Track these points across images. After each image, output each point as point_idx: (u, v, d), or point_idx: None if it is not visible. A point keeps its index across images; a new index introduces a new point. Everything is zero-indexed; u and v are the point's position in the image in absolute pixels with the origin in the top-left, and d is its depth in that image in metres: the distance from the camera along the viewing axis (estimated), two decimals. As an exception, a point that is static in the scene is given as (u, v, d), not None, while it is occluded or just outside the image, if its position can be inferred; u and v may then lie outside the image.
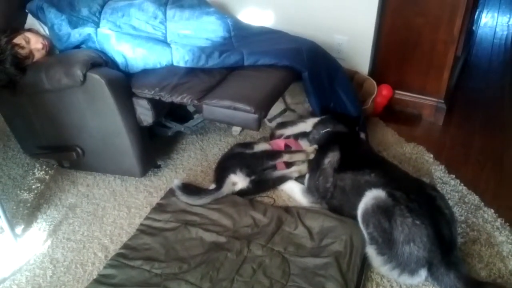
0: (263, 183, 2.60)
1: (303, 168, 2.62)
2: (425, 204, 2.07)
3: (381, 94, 3.33)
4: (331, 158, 2.46)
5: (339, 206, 2.37)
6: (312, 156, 2.61)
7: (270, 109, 2.58)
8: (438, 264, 1.96)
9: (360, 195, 2.17)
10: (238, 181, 2.54)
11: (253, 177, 2.55)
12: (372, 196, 2.11)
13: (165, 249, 2.22)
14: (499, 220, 2.38)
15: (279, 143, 2.75)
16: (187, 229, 2.31)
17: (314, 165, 2.55)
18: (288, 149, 2.70)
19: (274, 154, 2.65)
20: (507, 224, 2.37)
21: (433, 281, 2.00)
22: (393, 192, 2.08)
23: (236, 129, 3.22)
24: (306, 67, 2.69)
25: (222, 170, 2.63)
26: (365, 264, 2.12)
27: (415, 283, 2.03)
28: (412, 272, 1.98)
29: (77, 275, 2.18)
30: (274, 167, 2.62)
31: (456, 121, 3.47)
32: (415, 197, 2.07)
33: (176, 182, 2.54)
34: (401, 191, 2.08)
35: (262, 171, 2.58)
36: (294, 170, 2.63)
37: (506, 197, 2.61)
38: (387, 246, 2.02)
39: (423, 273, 1.98)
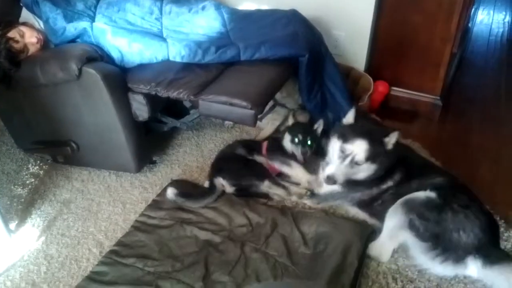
0: (249, 193, 2.56)
1: (303, 192, 2.55)
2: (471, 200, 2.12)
3: (377, 90, 3.32)
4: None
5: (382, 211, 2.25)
6: (294, 198, 2.51)
7: (266, 104, 2.57)
8: (487, 254, 1.95)
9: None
10: (225, 185, 2.53)
11: (237, 187, 2.54)
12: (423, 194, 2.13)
13: (159, 246, 2.20)
14: (494, 216, 2.38)
15: (276, 167, 2.67)
16: (182, 227, 2.30)
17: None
18: (278, 179, 2.61)
19: (263, 175, 2.58)
20: (503, 221, 2.37)
21: (483, 262, 1.96)
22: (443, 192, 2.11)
23: (228, 122, 3.21)
24: (305, 49, 2.66)
25: (215, 169, 2.63)
26: (363, 262, 2.12)
27: (455, 273, 2.04)
28: (458, 259, 1.99)
29: (72, 271, 2.17)
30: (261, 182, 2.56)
31: (452, 118, 3.48)
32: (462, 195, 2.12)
33: (169, 194, 2.46)
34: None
35: (248, 185, 2.56)
36: (292, 193, 2.56)
37: (502, 194, 2.62)
38: (431, 234, 2.02)
39: (468, 260, 1.98)
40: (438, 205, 2.05)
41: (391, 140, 2.17)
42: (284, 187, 2.56)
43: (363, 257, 2.13)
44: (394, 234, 2.13)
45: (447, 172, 2.35)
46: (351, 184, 2.30)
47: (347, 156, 2.18)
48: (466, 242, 1.98)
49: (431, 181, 2.18)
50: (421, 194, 2.11)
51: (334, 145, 2.25)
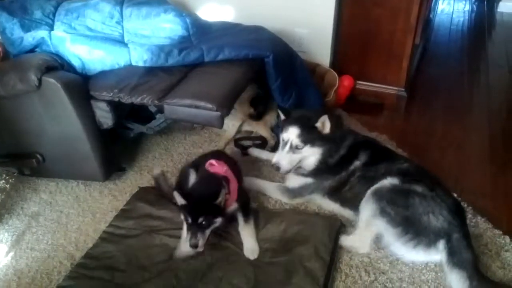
0: None
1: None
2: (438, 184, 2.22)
3: (342, 85, 3.36)
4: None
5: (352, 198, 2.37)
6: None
7: (232, 105, 2.57)
8: (459, 237, 2.01)
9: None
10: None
11: None
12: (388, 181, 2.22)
13: (127, 257, 2.15)
14: (462, 204, 2.43)
15: (220, 168, 2.29)
16: (151, 236, 2.26)
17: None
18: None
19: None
20: (470, 207, 2.43)
21: (449, 255, 2.00)
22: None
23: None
24: (269, 50, 2.67)
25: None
26: (335, 257, 2.13)
27: (427, 259, 2.09)
28: (430, 244, 2.04)
29: (43, 285, 2.12)
30: None
31: (417, 108, 3.54)
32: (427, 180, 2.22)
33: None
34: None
35: None
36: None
37: (468, 181, 2.69)
38: (402, 218, 2.08)
39: (441, 245, 2.03)
40: (405, 190, 2.14)
41: (323, 125, 2.33)
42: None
43: (335, 252, 2.15)
44: (369, 224, 2.17)
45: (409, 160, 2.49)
46: (320, 172, 2.43)
47: (286, 143, 2.36)
48: (436, 225, 2.04)
49: (398, 166, 2.31)
50: (387, 182, 2.20)
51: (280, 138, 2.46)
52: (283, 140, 2.39)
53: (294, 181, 2.52)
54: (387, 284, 2.04)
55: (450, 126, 3.28)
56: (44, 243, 2.36)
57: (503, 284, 2.04)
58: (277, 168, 2.38)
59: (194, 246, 2.01)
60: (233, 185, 2.22)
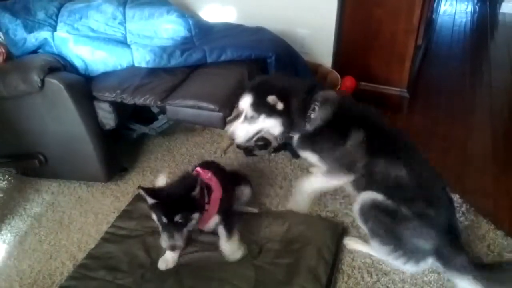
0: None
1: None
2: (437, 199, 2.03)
3: (345, 85, 3.35)
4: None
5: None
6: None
7: (234, 106, 2.56)
8: (448, 250, 1.95)
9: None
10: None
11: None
12: (368, 196, 2.05)
13: (129, 258, 2.16)
14: (464, 205, 2.44)
15: (203, 175, 2.14)
16: (153, 236, 2.24)
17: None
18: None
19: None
20: (472, 209, 2.42)
21: (442, 265, 1.97)
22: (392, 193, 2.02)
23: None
24: (271, 51, 2.69)
25: None
26: (337, 258, 2.14)
27: (419, 270, 2.06)
28: (419, 260, 2.00)
29: (45, 286, 2.13)
30: None
31: (420, 109, 3.53)
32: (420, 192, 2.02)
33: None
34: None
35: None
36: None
37: (470, 182, 2.68)
38: (392, 238, 2.01)
39: (430, 260, 1.99)
40: (392, 210, 1.99)
41: (273, 102, 2.05)
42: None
43: (337, 253, 2.15)
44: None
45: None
46: (316, 146, 2.16)
47: (241, 112, 2.18)
48: (424, 247, 1.97)
49: (396, 174, 2.02)
50: (369, 197, 2.04)
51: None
52: (240, 110, 2.20)
53: (312, 159, 2.24)
54: (389, 286, 2.05)
55: (452, 127, 3.27)
56: (46, 244, 2.36)
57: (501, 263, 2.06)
58: (232, 139, 2.23)
59: (173, 248, 1.91)
60: (216, 195, 2.07)
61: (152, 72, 2.60)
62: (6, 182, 2.82)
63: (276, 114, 2.08)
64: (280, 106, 2.06)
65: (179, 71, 2.63)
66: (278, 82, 2.16)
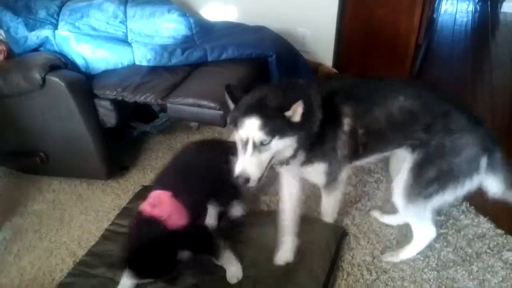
0: None
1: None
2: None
3: (345, 85, 3.35)
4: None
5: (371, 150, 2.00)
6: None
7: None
8: (496, 150, 1.85)
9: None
10: None
11: None
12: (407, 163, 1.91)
13: None
14: (464, 203, 2.43)
15: (163, 208, 1.84)
16: None
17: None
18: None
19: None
20: (472, 207, 2.42)
21: (491, 171, 1.87)
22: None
23: (194, 123, 3.17)
24: (272, 50, 2.70)
25: None
26: (337, 256, 2.13)
27: (475, 184, 1.90)
28: (473, 171, 1.86)
29: (45, 283, 2.14)
30: None
31: (420, 108, 3.52)
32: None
33: None
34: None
35: None
36: None
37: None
38: (446, 176, 1.86)
39: (483, 162, 1.85)
40: (430, 155, 1.86)
41: (295, 113, 1.69)
42: None
43: (337, 252, 2.15)
44: (421, 218, 2.03)
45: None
46: (325, 148, 1.91)
47: (247, 142, 1.69)
48: (474, 152, 1.84)
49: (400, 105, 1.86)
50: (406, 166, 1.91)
51: (234, 136, 1.80)
52: (241, 140, 1.71)
53: (313, 175, 2.03)
54: (388, 283, 2.04)
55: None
56: (47, 241, 2.37)
57: None
58: (245, 180, 1.69)
59: None
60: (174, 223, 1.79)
61: (153, 70, 2.61)
62: (7, 179, 2.83)
63: (291, 130, 1.71)
64: (297, 117, 1.70)
65: (180, 70, 2.64)
66: (278, 90, 1.80)
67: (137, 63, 2.63)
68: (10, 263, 2.25)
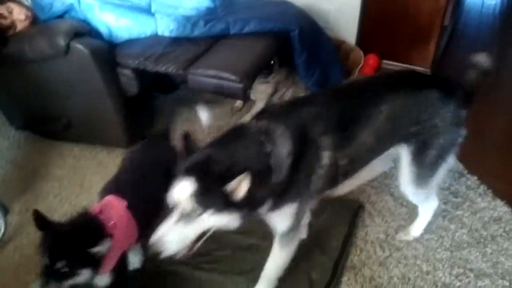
0: None
1: None
2: None
3: (367, 64, 3.33)
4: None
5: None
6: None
7: (255, 78, 2.58)
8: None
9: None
10: None
11: None
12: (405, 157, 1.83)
13: None
14: (481, 186, 2.42)
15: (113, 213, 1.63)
16: None
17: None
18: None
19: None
20: (490, 190, 2.41)
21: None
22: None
23: (237, 105, 3.17)
24: (295, 25, 2.69)
25: None
26: (351, 232, 2.15)
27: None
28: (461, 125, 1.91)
29: (65, 245, 2.19)
30: None
31: (442, 90, 3.48)
32: None
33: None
34: None
35: None
36: None
37: (488, 165, 2.65)
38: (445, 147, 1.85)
39: (463, 114, 1.92)
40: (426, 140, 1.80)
41: (238, 188, 1.34)
42: None
43: (351, 228, 2.17)
44: (429, 195, 2.00)
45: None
46: (295, 189, 1.56)
47: (174, 208, 1.39)
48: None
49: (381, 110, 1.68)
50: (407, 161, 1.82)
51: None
52: (171, 202, 1.40)
53: (279, 219, 1.66)
54: (401, 261, 2.06)
55: (473, 109, 3.22)
56: (67, 204, 2.44)
57: None
58: (156, 249, 1.38)
59: None
60: (117, 245, 1.58)
61: (175, 41, 2.62)
62: (30, 144, 2.88)
63: (231, 206, 1.37)
64: (240, 194, 1.35)
65: (202, 41, 2.64)
66: (227, 148, 1.44)
67: (159, 33, 2.65)
68: (32, 225, 2.30)
